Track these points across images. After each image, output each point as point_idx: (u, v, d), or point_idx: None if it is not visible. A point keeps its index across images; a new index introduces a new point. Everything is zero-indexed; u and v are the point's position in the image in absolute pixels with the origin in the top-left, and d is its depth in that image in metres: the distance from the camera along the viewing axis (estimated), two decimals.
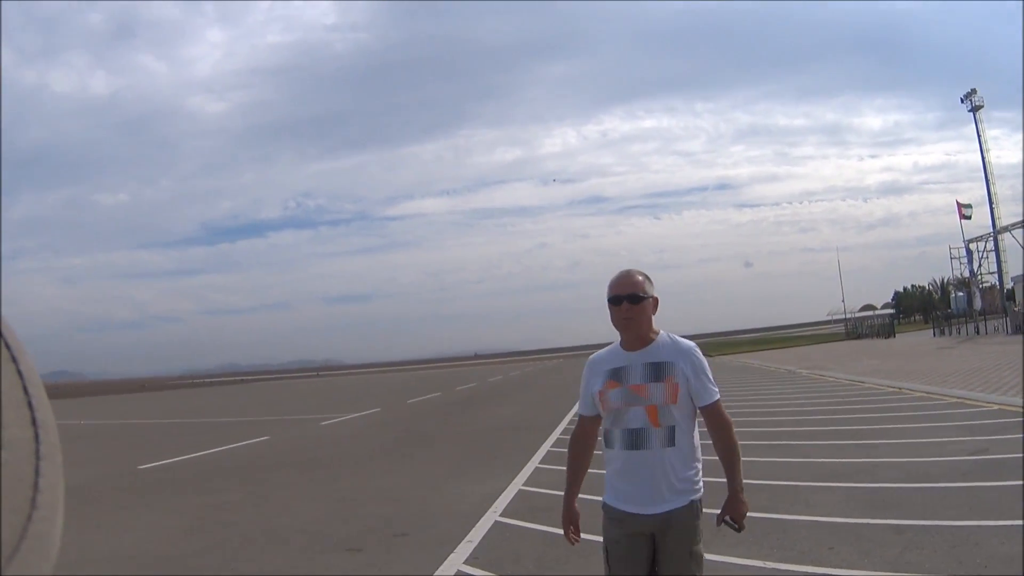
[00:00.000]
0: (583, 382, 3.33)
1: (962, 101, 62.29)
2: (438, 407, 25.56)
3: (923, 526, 5.90)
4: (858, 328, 72.46)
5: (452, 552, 6.25)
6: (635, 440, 3.07)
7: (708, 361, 3.27)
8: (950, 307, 66.22)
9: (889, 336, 61.94)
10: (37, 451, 0.60)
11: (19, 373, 0.61)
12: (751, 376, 28.14)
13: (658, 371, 3.10)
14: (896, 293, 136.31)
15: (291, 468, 12.18)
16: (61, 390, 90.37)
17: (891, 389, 17.12)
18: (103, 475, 12.22)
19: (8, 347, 0.61)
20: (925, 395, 15.20)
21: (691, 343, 3.23)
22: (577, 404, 3.51)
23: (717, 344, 76.47)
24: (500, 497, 8.50)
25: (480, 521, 7.31)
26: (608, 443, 3.19)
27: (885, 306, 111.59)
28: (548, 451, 11.83)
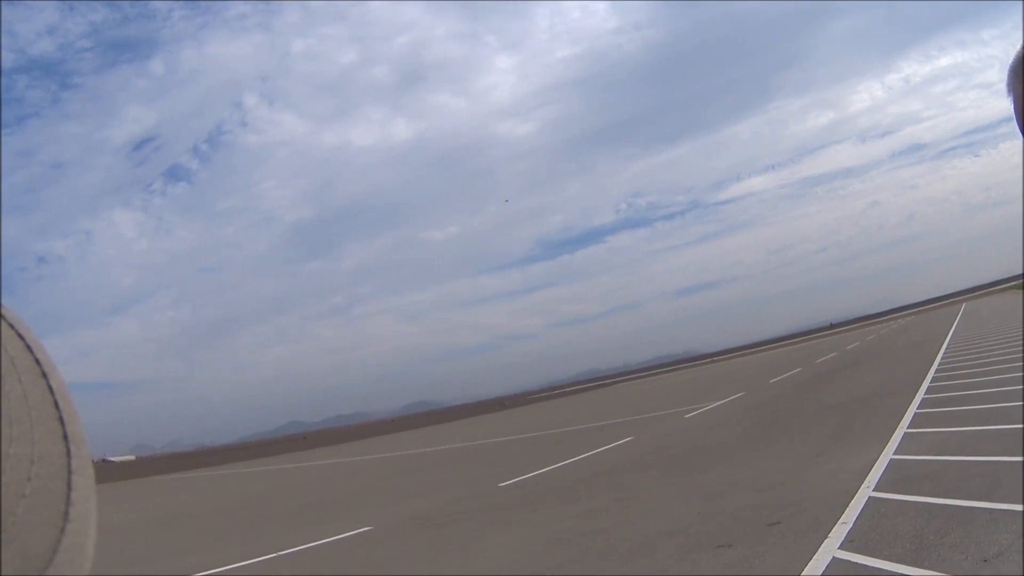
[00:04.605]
0: None
1: None
2: (800, 383, 26.12)
3: None
4: None
5: (826, 537, 6.50)
6: None
7: None
8: None
9: None
10: (69, 465, 0.70)
11: (49, 389, 0.70)
12: None
13: None
14: None
15: (656, 467, 13.06)
16: (417, 420, 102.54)
17: None
18: (462, 497, 13.76)
19: (38, 363, 0.71)
20: None
21: None
22: None
23: None
24: (872, 470, 8.55)
25: (853, 499, 7.46)
26: None
27: None
28: (915, 414, 11.21)
